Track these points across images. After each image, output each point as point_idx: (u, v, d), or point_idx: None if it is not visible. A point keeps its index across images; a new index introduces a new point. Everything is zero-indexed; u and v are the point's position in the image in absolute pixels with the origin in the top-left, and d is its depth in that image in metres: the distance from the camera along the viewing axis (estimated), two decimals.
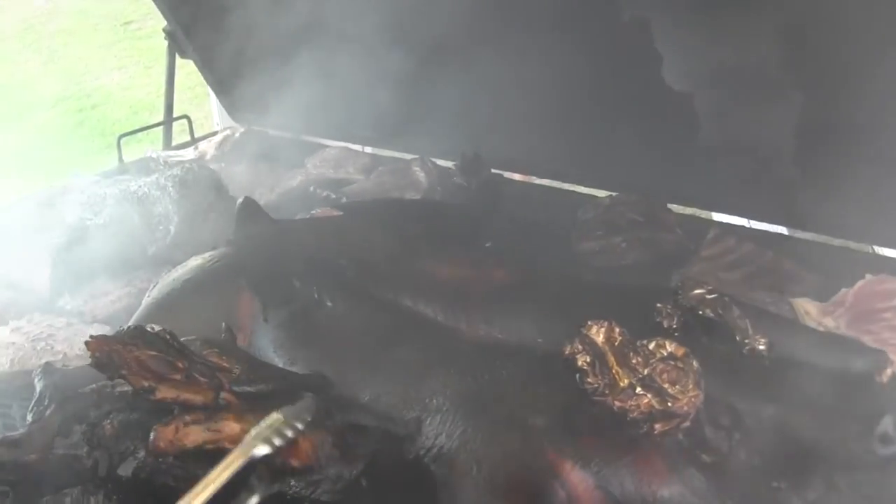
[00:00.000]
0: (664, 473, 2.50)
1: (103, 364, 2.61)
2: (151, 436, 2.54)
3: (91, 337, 2.65)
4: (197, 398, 2.62)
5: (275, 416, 2.45)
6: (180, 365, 2.67)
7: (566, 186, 5.06)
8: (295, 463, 2.45)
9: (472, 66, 4.58)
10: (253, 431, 2.39)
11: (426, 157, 5.03)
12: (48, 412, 2.99)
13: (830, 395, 2.71)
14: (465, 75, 4.62)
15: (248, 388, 2.71)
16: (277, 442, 2.37)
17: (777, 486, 2.51)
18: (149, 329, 2.74)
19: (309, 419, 2.48)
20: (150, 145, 6.31)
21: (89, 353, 2.62)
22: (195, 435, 2.55)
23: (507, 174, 4.99)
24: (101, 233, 4.39)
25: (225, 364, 2.76)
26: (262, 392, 2.74)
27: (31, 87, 13.76)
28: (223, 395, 2.66)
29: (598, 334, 2.63)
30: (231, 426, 2.55)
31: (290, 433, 2.40)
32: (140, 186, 4.52)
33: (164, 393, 2.61)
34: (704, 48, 3.86)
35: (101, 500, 2.70)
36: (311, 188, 5.17)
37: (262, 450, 2.35)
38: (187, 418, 2.55)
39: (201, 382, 2.67)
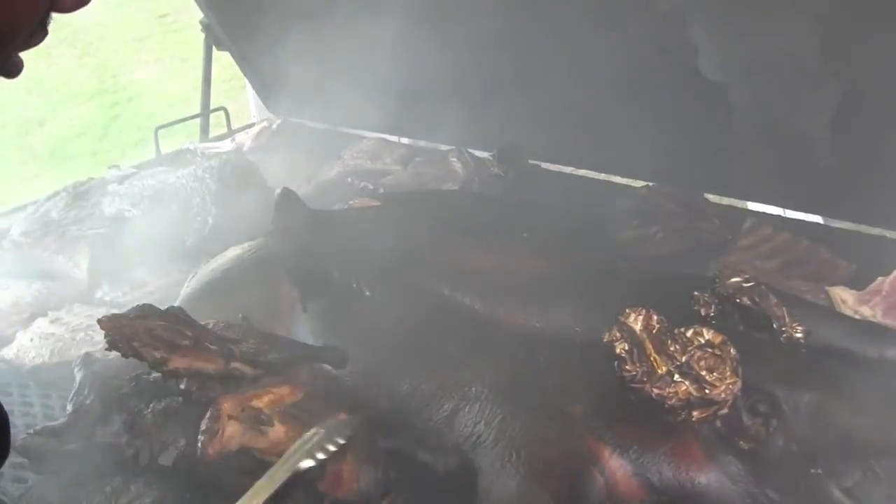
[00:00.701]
0: (702, 460, 2.52)
1: (116, 341, 2.69)
2: (199, 445, 2.60)
3: (103, 316, 2.72)
4: (208, 366, 2.72)
5: (314, 431, 2.52)
6: (189, 333, 2.74)
7: (603, 177, 5.06)
8: (339, 493, 2.50)
9: (509, 57, 4.59)
10: (294, 445, 2.49)
11: (463, 147, 5.03)
12: (88, 401, 3.02)
13: (867, 383, 2.71)
14: (502, 66, 4.62)
15: (263, 358, 2.80)
16: (320, 456, 2.45)
17: (815, 473, 2.53)
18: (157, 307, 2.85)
19: (349, 434, 2.55)
20: (186, 138, 6.32)
21: (103, 332, 2.70)
22: (239, 439, 2.62)
23: (544, 164, 4.99)
24: (140, 224, 4.42)
25: (235, 336, 2.84)
26: (277, 361, 2.83)
27: (66, 80, 13.82)
28: (234, 364, 2.74)
29: (636, 322, 2.64)
30: (276, 432, 2.62)
31: (331, 447, 2.49)
32: (178, 178, 4.55)
33: (177, 363, 2.71)
34: (740, 38, 3.85)
35: (142, 488, 2.74)
36: (349, 179, 5.17)
37: (307, 463, 2.43)
38: (229, 423, 2.62)
39: (211, 350, 2.74)
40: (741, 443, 2.56)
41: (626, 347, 2.59)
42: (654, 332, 2.62)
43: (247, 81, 6.76)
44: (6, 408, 3.37)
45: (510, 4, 4.40)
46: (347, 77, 4.97)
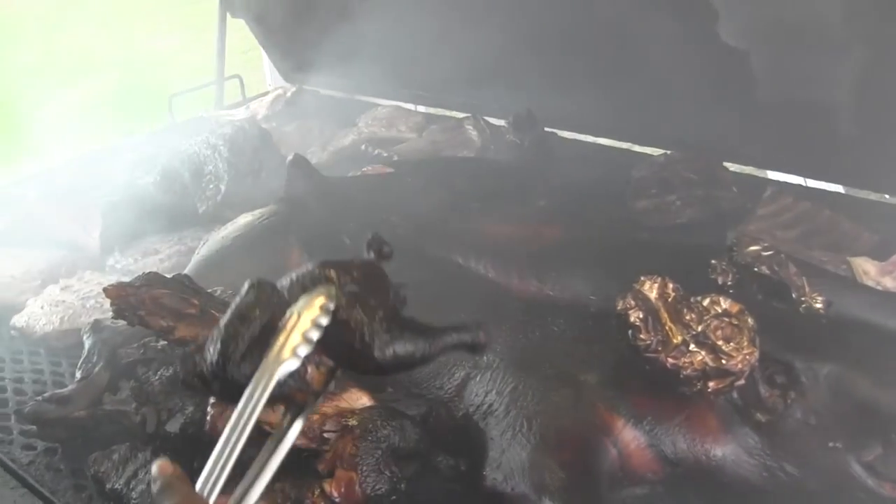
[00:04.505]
0: (717, 432, 2.48)
1: (122, 310, 2.67)
2: (208, 418, 2.56)
3: (109, 285, 2.71)
4: None
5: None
6: (195, 301, 2.71)
7: (620, 145, 5.01)
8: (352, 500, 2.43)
9: (526, 24, 4.54)
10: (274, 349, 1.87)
11: (478, 115, 4.99)
12: (97, 369, 3.02)
13: (889, 355, 2.66)
14: (518, 33, 4.57)
15: None
16: (303, 352, 1.96)
17: (833, 446, 2.47)
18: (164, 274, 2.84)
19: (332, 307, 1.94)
20: (202, 106, 6.29)
21: (109, 301, 2.68)
22: None
23: (560, 132, 4.94)
24: (152, 191, 4.40)
25: None
26: None
27: (86, 52, 13.80)
28: None
29: (651, 290, 2.59)
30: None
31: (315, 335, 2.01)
32: (191, 145, 4.52)
33: (183, 331, 2.68)
34: (762, 3, 3.79)
35: (149, 456, 2.71)
36: (363, 147, 5.13)
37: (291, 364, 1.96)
38: None
39: (217, 318, 2.71)
40: (758, 415, 2.51)
41: (641, 316, 2.55)
42: (669, 300, 2.57)
43: (262, 50, 6.72)
44: (16, 374, 3.39)
45: None
46: (362, 45, 4.93)
